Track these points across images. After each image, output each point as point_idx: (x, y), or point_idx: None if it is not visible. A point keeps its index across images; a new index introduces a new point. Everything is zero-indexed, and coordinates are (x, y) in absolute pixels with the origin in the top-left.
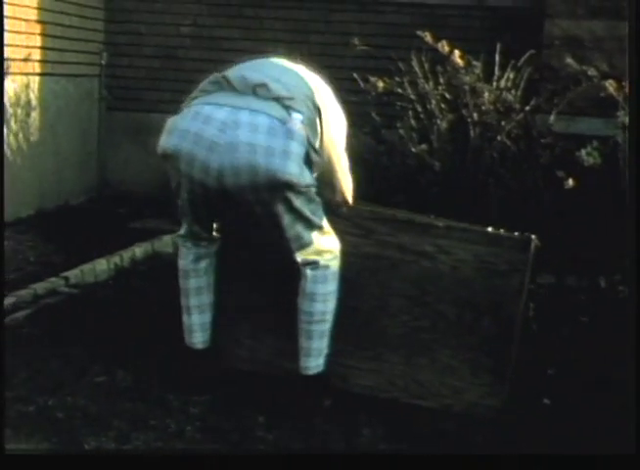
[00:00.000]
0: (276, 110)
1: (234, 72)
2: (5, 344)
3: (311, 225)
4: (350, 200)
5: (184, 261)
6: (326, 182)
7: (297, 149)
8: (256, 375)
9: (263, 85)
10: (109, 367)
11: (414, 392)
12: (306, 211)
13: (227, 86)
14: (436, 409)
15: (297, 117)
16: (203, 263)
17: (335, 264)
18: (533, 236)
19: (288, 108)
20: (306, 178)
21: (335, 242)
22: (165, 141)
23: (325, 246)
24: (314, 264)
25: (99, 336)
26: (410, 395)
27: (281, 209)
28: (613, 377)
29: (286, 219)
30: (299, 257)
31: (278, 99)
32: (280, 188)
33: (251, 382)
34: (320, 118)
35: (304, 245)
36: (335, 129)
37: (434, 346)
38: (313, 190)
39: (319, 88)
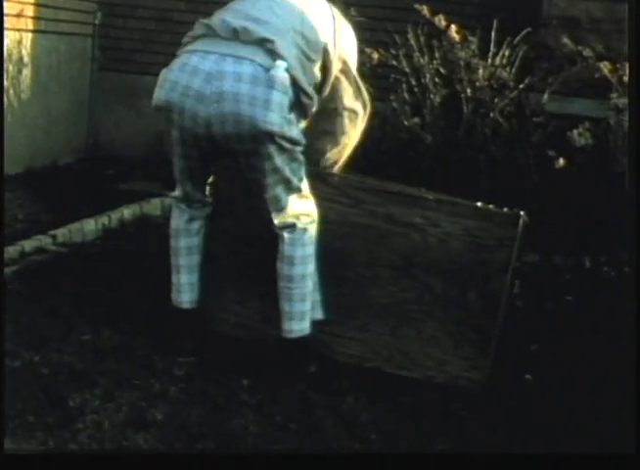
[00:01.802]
0: (260, 56)
1: (217, 17)
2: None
3: (290, 188)
4: (345, 150)
5: (177, 221)
6: (324, 120)
7: (280, 98)
8: (242, 340)
9: (244, 29)
10: (95, 326)
11: (398, 362)
12: (287, 170)
13: (212, 32)
14: (420, 381)
15: (280, 64)
16: (195, 224)
17: (312, 228)
18: (522, 212)
19: (272, 52)
20: (292, 131)
21: (312, 206)
22: (158, 94)
23: (302, 210)
24: (291, 228)
25: (86, 294)
26: (394, 365)
27: (263, 165)
28: (595, 356)
29: (267, 179)
30: (277, 220)
31: (261, 42)
32: (262, 138)
33: (236, 346)
34: (326, 52)
35: (282, 208)
36: (347, 50)
37: (420, 317)
38: (298, 149)
39: (318, 14)
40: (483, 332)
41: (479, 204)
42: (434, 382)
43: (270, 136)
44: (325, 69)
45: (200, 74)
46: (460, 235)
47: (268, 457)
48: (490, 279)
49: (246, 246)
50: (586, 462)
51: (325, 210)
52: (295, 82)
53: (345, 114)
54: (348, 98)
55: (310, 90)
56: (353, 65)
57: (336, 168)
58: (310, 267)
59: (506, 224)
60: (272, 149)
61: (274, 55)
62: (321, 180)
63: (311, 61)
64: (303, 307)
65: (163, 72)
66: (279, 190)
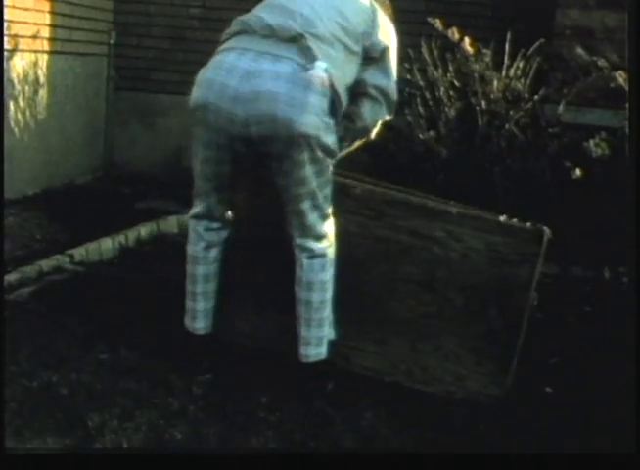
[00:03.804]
0: (298, 54)
1: (253, 14)
2: (4, 327)
3: (315, 205)
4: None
5: (194, 247)
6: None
7: (317, 100)
8: (259, 353)
9: (279, 25)
10: (112, 345)
11: (417, 377)
12: (314, 184)
13: (248, 29)
14: (440, 396)
15: (319, 64)
16: (213, 252)
17: (331, 252)
18: (545, 228)
19: (309, 50)
20: (328, 138)
21: (332, 229)
22: (194, 93)
23: (323, 231)
24: (310, 252)
25: (103, 313)
26: (413, 379)
27: (293, 172)
28: (615, 368)
29: (294, 189)
30: (298, 237)
31: (298, 39)
32: (297, 142)
33: (254, 363)
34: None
35: (304, 225)
36: (386, 37)
37: (440, 332)
38: (329, 161)
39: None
40: (504, 348)
41: (502, 218)
42: (453, 397)
43: (306, 139)
44: (363, 59)
45: (237, 72)
46: (482, 250)
47: (273, 458)
48: (512, 295)
49: (266, 256)
50: (586, 462)
51: (347, 222)
52: (332, 84)
53: (367, 98)
54: (374, 83)
55: (343, 93)
56: (393, 53)
57: (343, 153)
58: (329, 293)
59: (529, 240)
60: (305, 156)
61: (312, 53)
62: (344, 192)
63: (353, 53)
64: (321, 333)
65: (201, 72)
66: (304, 205)
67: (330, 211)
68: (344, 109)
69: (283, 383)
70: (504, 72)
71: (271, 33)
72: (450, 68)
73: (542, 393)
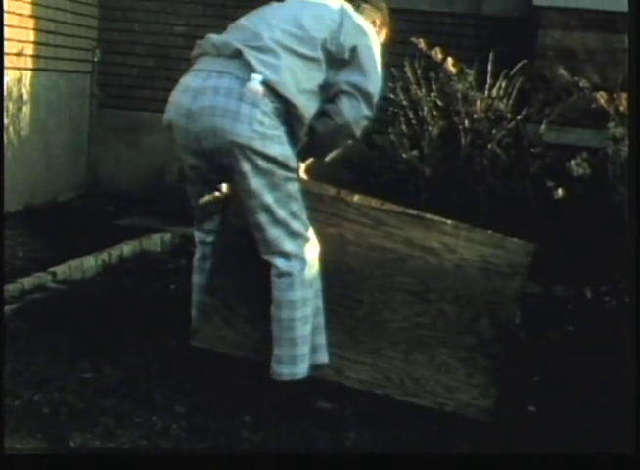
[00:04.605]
0: (239, 68)
1: (208, 35)
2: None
3: (275, 219)
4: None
5: (195, 257)
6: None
7: (248, 110)
8: (242, 372)
9: (221, 43)
10: (95, 363)
11: (409, 389)
12: (267, 197)
13: (203, 50)
14: (425, 412)
15: (255, 77)
16: (208, 264)
17: (302, 272)
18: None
19: (248, 63)
20: (269, 147)
21: (308, 249)
22: (164, 115)
23: (292, 250)
24: (276, 270)
25: (86, 332)
26: (405, 391)
27: (240, 185)
28: (598, 383)
29: (246, 201)
30: (263, 253)
31: (238, 54)
32: (233, 152)
33: (238, 382)
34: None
35: (266, 240)
36: (355, 37)
37: (433, 343)
38: (282, 173)
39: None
40: (494, 359)
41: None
42: (444, 410)
43: (239, 149)
44: (334, 63)
45: (189, 92)
46: (475, 261)
47: (266, 458)
48: (503, 306)
49: (258, 265)
50: (586, 462)
51: (344, 229)
52: (277, 93)
53: (343, 95)
54: (347, 80)
55: (299, 97)
56: (366, 50)
57: (327, 159)
58: (300, 313)
59: (520, 253)
60: (246, 167)
61: (249, 65)
62: (341, 200)
63: (310, 59)
64: (293, 352)
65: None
66: (260, 218)
67: (303, 229)
68: (310, 113)
69: (266, 402)
70: (487, 92)
71: (218, 52)
72: (433, 87)
73: (526, 411)
